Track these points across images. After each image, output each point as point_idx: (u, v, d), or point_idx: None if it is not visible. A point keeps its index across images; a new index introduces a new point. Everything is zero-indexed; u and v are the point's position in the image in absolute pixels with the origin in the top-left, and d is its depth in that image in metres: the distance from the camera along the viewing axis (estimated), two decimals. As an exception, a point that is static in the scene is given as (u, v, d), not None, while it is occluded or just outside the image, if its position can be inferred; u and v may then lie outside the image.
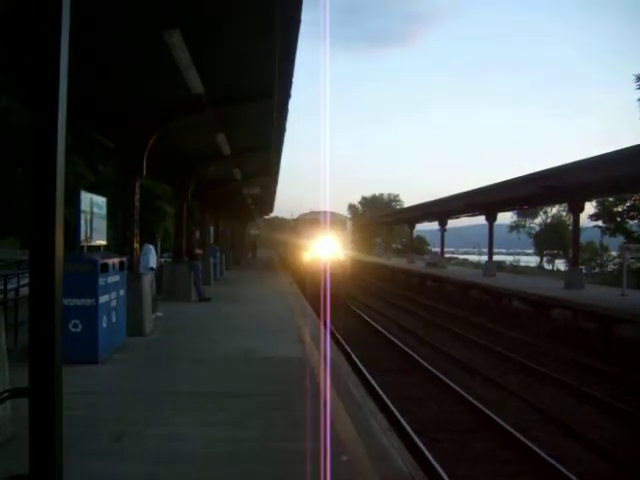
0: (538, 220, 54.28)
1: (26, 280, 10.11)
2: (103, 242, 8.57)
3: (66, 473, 1.86)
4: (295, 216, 42.03)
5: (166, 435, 4.75)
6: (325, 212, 23.02)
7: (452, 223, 36.15)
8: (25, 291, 9.58)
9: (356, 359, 11.15)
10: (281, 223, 79.59)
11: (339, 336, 13.49)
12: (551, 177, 19.17)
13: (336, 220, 23.90)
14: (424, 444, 6.68)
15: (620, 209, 34.91)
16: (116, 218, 10.38)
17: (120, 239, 10.16)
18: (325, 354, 7.65)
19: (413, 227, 44.20)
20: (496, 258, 31.28)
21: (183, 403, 5.75)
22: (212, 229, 24.29)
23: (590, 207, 34.61)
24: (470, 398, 8.85)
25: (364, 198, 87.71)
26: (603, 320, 13.46)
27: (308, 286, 19.14)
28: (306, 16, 6.55)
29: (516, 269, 42.98)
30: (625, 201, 34.14)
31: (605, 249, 43.41)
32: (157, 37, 6.33)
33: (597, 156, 16.74)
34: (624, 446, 7.18)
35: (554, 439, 7.42)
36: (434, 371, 10.74)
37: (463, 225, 56.73)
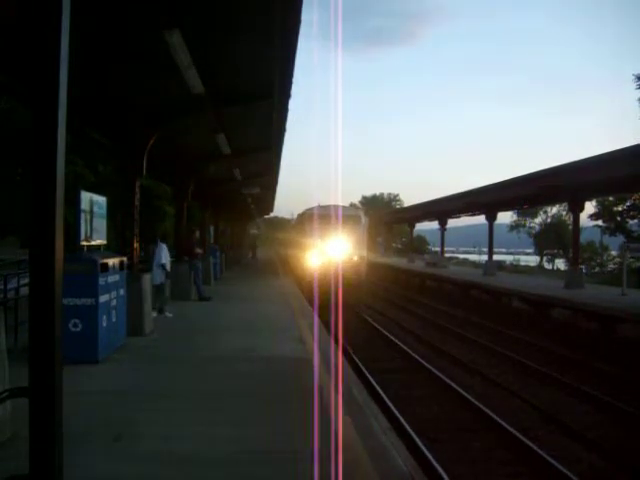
0: (538, 220, 54.35)
1: (26, 280, 10.12)
2: (103, 242, 8.57)
3: (66, 473, 1.86)
4: (296, 215, 39.14)
5: (166, 435, 4.75)
6: (336, 206, 20.30)
7: (452, 223, 36.15)
8: (25, 291, 9.58)
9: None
10: (281, 223, 79.63)
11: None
12: (551, 176, 19.18)
13: (349, 215, 20.57)
14: (425, 445, 6.68)
15: (620, 209, 34.94)
16: (116, 218, 10.38)
17: (120, 239, 10.16)
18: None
19: (413, 226, 44.21)
20: (496, 257, 31.28)
21: (183, 403, 5.76)
22: (212, 229, 24.29)
23: (590, 207, 34.67)
24: (470, 397, 8.86)
25: (364, 197, 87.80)
26: (603, 320, 13.46)
27: (314, 293, 15.94)
28: (306, 16, 6.55)
29: (516, 269, 42.99)
30: (625, 201, 34.16)
31: (605, 249, 43.44)
32: (157, 37, 6.32)
33: (597, 155, 16.76)
34: (624, 445, 7.19)
35: (554, 438, 7.43)
36: (434, 371, 10.75)
37: (463, 225, 56.77)
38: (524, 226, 55.47)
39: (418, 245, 57.87)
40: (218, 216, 26.64)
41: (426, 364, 11.32)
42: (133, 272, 9.63)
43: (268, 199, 35.72)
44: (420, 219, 41.27)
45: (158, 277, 11.98)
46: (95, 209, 7.95)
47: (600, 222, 36.65)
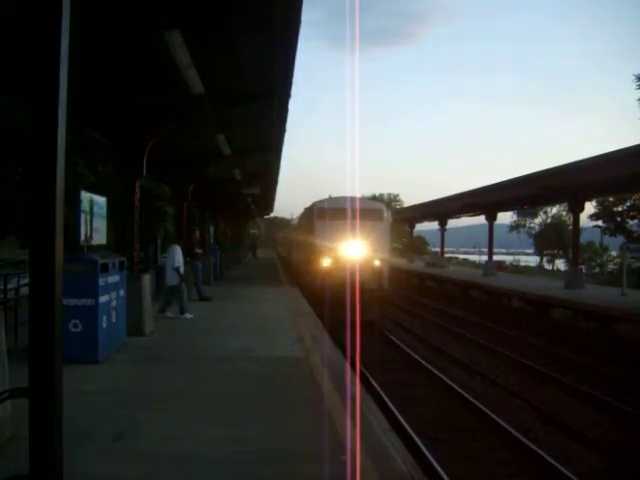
0: (538, 220, 54.33)
1: (26, 280, 10.12)
2: (103, 242, 8.57)
3: (66, 473, 1.86)
4: (296, 215, 36.14)
5: (166, 435, 4.75)
6: (352, 198, 16.57)
7: (452, 223, 36.17)
8: (25, 291, 9.58)
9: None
10: (281, 223, 79.52)
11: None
12: (551, 177, 19.18)
13: (369, 209, 16.81)
14: (424, 445, 6.68)
15: (620, 209, 34.91)
16: (116, 218, 10.38)
17: (120, 239, 10.16)
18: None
19: (413, 227, 44.19)
20: (496, 258, 31.27)
21: (183, 403, 5.75)
22: (212, 229, 24.29)
23: (590, 207, 34.63)
24: (470, 397, 8.86)
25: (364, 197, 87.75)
26: (603, 320, 13.46)
27: (324, 304, 13.53)
28: (306, 17, 6.55)
29: (516, 269, 42.97)
30: (625, 201, 34.14)
31: (605, 249, 43.42)
32: (157, 37, 6.33)
33: (597, 156, 16.76)
34: (623, 445, 7.19)
35: (554, 438, 7.43)
36: (435, 371, 10.74)
37: (463, 225, 56.78)
38: (524, 226, 55.45)
39: (418, 245, 57.86)
40: (218, 216, 26.64)
41: (426, 364, 11.32)
42: (133, 272, 9.63)
43: (268, 199, 35.73)
44: (420, 219, 41.28)
45: (173, 278, 12.01)
46: (95, 209, 7.94)
47: (600, 222, 36.62)
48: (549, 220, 52.78)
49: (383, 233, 16.69)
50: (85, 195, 7.68)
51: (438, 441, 7.18)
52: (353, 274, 13.97)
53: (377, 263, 15.74)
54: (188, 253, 15.52)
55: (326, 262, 15.60)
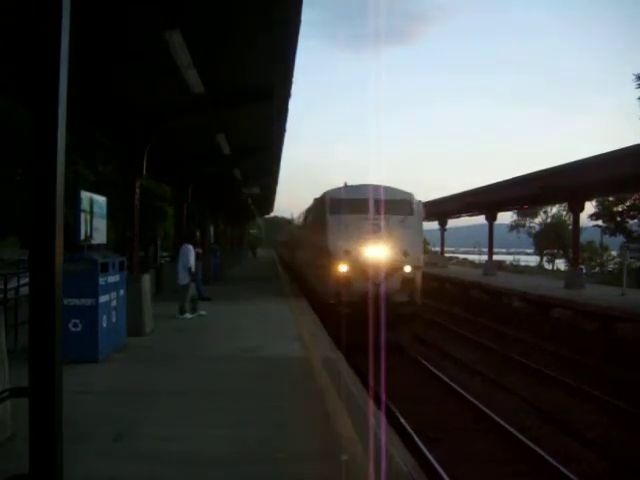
0: (538, 220, 54.32)
1: (26, 280, 10.11)
2: (103, 242, 8.57)
3: (66, 473, 1.86)
4: (296, 215, 32.63)
5: (166, 435, 4.75)
6: (376, 186, 13.42)
7: (452, 223, 36.16)
8: (25, 291, 9.58)
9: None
10: (281, 223, 79.50)
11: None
12: (551, 177, 19.19)
13: (397, 201, 13.27)
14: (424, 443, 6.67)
15: (620, 209, 34.90)
16: (116, 218, 10.38)
17: (120, 239, 10.16)
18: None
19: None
20: (496, 258, 31.28)
21: (183, 403, 5.75)
22: (212, 229, 24.28)
23: (590, 207, 34.63)
24: (470, 397, 8.86)
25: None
26: (603, 319, 13.46)
27: (339, 322, 11.02)
28: (306, 16, 6.56)
29: (516, 269, 42.96)
30: (625, 201, 34.13)
31: (605, 249, 43.41)
32: (157, 37, 6.33)
33: (597, 155, 16.77)
34: (623, 445, 7.19)
35: (554, 438, 7.43)
36: (435, 371, 10.75)
37: (463, 225, 56.77)
38: (524, 226, 55.47)
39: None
40: (218, 216, 26.65)
41: (424, 362, 11.32)
42: (133, 272, 9.63)
43: (268, 199, 35.75)
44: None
45: (184, 278, 12.04)
46: (95, 209, 7.95)
47: (600, 222, 36.63)
48: (549, 220, 52.79)
49: (414, 230, 13.10)
50: (85, 195, 7.69)
51: None
52: (377, 284, 11.69)
53: (408, 270, 12.36)
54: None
55: (342, 268, 12.25)
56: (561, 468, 6.19)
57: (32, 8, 1.80)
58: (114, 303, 8.09)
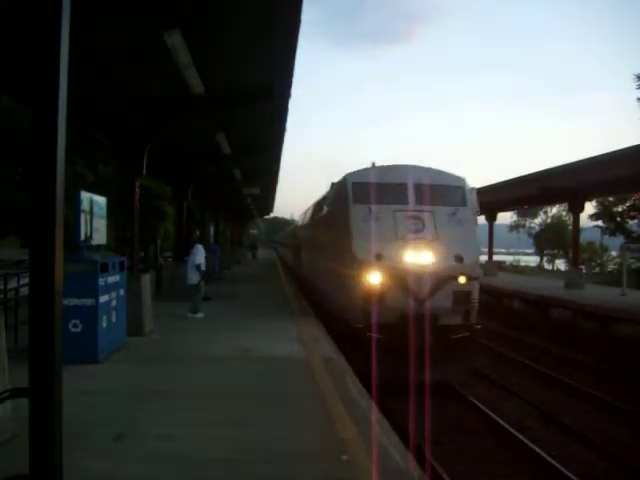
0: (538, 220, 54.36)
1: (26, 280, 10.11)
2: (103, 242, 8.57)
3: (66, 473, 1.86)
4: (297, 216, 31.25)
5: (166, 435, 4.75)
6: (416, 168, 10.44)
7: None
8: (25, 291, 9.57)
9: None
10: (281, 223, 79.52)
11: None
12: (551, 177, 19.17)
13: (445, 187, 10.17)
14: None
15: (620, 209, 34.90)
16: (116, 218, 10.38)
17: (120, 239, 10.16)
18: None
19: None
20: (496, 258, 31.19)
21: (183, 403, 5.75)
22: (212, 229, 24.31)
23: (590, 207, 34.62)
24: (470, 397, 8.85)
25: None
26: (603, 320, 13.46)
27: (366, 352, 8.24)
28: (306, 16, 6.55)
29: (516, 269, 42.95)
30: (625, 201, 34.13)
31: (605, 249, 43.41)
32: (157, 37, 6.33)
33: (597, 156, 16.76)
34: (624, 445, 7.19)
35: (554, 439, 7.43)
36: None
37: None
38: (524, 226, 55.49)
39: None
40: (218, 216, 26.66)
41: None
42: (133, 272, 9.63)
43: (268, 199, 35.77)
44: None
45: (194, 277, 12.05)
46: (95, 209, 7.94)
47: (600, 222, 36.63)
48: (549, 220, 52.80)
49: (469, 227, 9.81)
50: (85, 195, 7.68)
51: None
52: (420, 301, 8.74)
53: (462, 281, 9.12)
54: (188, 253, 15.54)
55: (372, 279, 8.94)
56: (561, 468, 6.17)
57: (32, 8, 1.80)
58: (114, 303, 8.09)
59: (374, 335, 8.59)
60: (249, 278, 24.37)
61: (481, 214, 27.55)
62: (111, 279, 7.96)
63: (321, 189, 15.77)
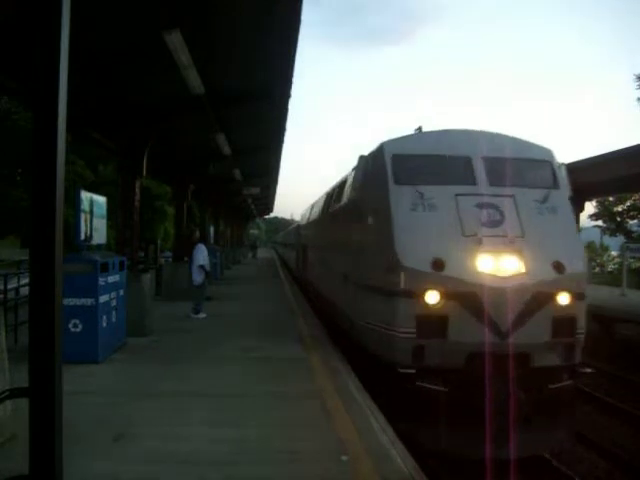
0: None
1: (26, 280, 10.11)
2: (103, 242, 8.57)
3: (66, 473, 1.86)
4: (297, 216, 29.91)
5: (166, 435, 4.75)
6: (482, 134, 7.43)
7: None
8: (25, 291, 9.58)
9: None
10: (281, 223, 79.54)
11: None
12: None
13: (531, 163, 7.23)
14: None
15: (620, 209, 34.91)
16: (116, 218, 10.38)
17: (120, 239, 10.15)
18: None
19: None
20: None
21: (183, 403, 5.75)
22: (212, 229, 24.33)
23: (590, 207, 34.62)
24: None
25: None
26: (603, 320, 13.45)
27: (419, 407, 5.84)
28: (306, 17, 6.56)
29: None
30: (625, 201, 34.14)
31: (605, 249, 43.41)
32: (157, 37, 6.33)
33: (597, 156, 16.77)
34: (625, 445, 7.18)
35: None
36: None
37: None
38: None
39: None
40: (218, 216, 26.67)
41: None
42: (133, 272, 9.63)
43: (268, 199, 35.80)
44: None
45: (199, 278, 12.05)
46: (95, 209, 7.94)
47: (600, 222, 36.62)
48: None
49: (565, 218, 6.93)
50: (85, 195, 7.68)
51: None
52: (502, 332, 5.90)
53: (565, 300, 6.32)
54: (188, 253, 15.55)
55: (427, 298, 6.11)
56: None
57: (32, 7, 1.80)
58: (114, 303, 8.09)
59: (431, 386, 5.83)
60: (249, 280, 24.36)
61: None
62: (111, 279, 7.96)
63: (322, 188, 14.86)
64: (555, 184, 7.04)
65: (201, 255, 12.17)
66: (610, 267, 41.06)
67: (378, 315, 6.62)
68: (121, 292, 8.45)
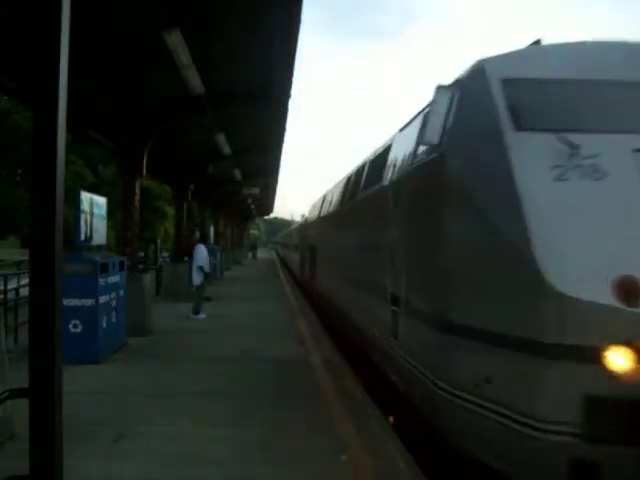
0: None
1: (26, 280, 10.11)
2: (103, 242, 8.57)
3: (66, 473, 1.86)
4: (297, 216, 28.99)
5: (166, 435, 4.74)
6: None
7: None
8: (25, 291, 9.58)
9: None
10: (281, 223, 79.57)
11: None
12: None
13: None
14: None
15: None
16: (116, 218, 10.38)
17: (120, 239, 10.16)
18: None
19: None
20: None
21: (183, 403, 5.75)
22: (212, 229, 24.35)
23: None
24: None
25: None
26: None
27: None
28: (306, 16, 6.57)
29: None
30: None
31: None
32: (157, 37, 6.33)
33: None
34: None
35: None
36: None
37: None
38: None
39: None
40: (218, 216, 26.69)
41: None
42: (133, 272, 9.63)
43: (268, 199, 35.82)
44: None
45: (198, 278, 12.05)
46: (95, 210, 7.94)
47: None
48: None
49: None
50: (85, 195, 7.69)
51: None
52: None
53: None
54: (188, 253, 15.55)
55: (613, 360, 3.02)
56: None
57: (32, 7, 1.80)
58: (114, 303, 8.09)
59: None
60: (250, 280, 24.36)
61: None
62: (111, 279, 7.96)
63: (322, 189, 13.52)
64: None
65: (200, 256, 12.17)
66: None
67: (492, 388, 3.62)
68: (121, 292, 8.45)
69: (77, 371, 6.45)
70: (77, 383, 5.89)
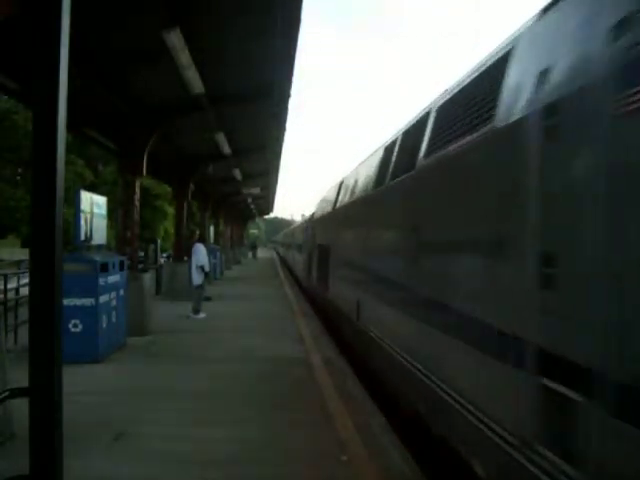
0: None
1: (26, 280, 10.11)
2: (103, 242, 8.58)
3: (66, 473, 1.86)
4: (297, 216, 28.66)
5: (166, 435, 4.75)
6: None
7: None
8: (25, 291, 9.58)
9: None
10: (281, 223, 79.57)
11: None
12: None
13: None
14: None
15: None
16: (116, 218, 10.39)
17: (120, 239, 10.16)
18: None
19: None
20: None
21: (183, 403, 5.75)
22: (212, 229, 24.35)
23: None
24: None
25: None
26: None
27: None
28: (306, 11, 6.57)
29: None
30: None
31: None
32: (157, 37, 6.33)
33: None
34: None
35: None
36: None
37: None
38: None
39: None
40: (218, 216, 26.68)
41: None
42: (133, 272, 9.63)
43: (268, 199, 35.82)
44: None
45: (198, 278, 12.05)
46: (95, 209, 7.95)
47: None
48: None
49: None
50: (85, 195, 7.69)
51: None
52: None
53: None
54: (188, 253, 15.56)
55: None
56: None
57: (32, 7, 1.80)
58: (114, 303, 8.09)
59: None
60: (250, 280, 24.35)
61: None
62: (111, 279, 7.97)
63: (322, 188, 12.57)
64: None
65: (199, 255, 12.17)
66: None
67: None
68: (121, 292, 8.46)
69: (77, 371, 6.44)
70: (77, 383, 5.89)
